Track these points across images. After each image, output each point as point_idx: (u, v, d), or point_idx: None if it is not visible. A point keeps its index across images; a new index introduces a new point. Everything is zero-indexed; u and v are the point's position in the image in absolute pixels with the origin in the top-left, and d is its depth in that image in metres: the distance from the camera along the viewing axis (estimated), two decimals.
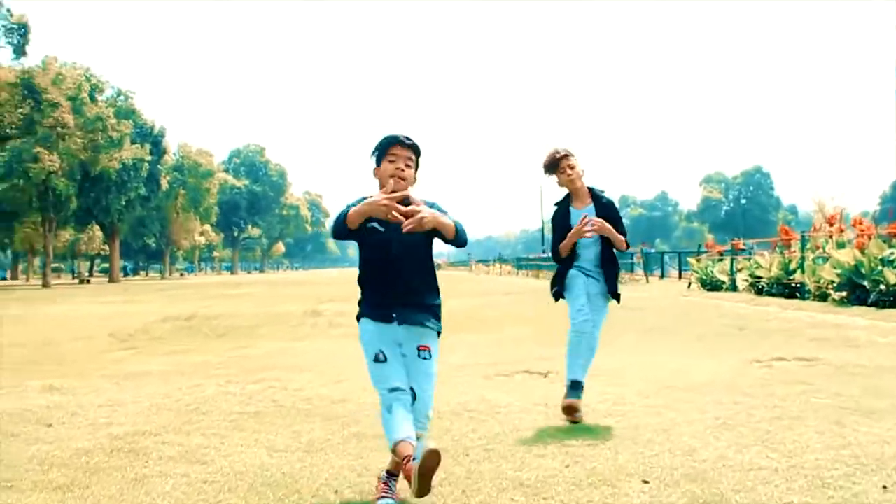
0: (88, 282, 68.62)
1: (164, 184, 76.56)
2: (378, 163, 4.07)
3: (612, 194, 6.12)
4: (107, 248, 79.79)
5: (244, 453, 4.98)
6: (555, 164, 5.96)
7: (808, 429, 5.21)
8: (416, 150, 4.11)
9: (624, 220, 6.17)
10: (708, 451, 4.71)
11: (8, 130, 44.90)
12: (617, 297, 6.17)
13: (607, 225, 5.81)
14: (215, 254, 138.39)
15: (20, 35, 46.71)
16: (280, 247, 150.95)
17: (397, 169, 3.98)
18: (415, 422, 3.84)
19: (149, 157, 63.02)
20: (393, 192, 3.81)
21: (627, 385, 7.32)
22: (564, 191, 6.10)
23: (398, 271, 4.00)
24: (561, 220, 6.11)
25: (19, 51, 46.85)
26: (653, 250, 39.44)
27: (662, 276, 35.47)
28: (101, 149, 52.23)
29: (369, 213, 3.76)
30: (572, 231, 5.87)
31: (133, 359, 10.43)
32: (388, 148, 4.04)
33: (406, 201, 3.74)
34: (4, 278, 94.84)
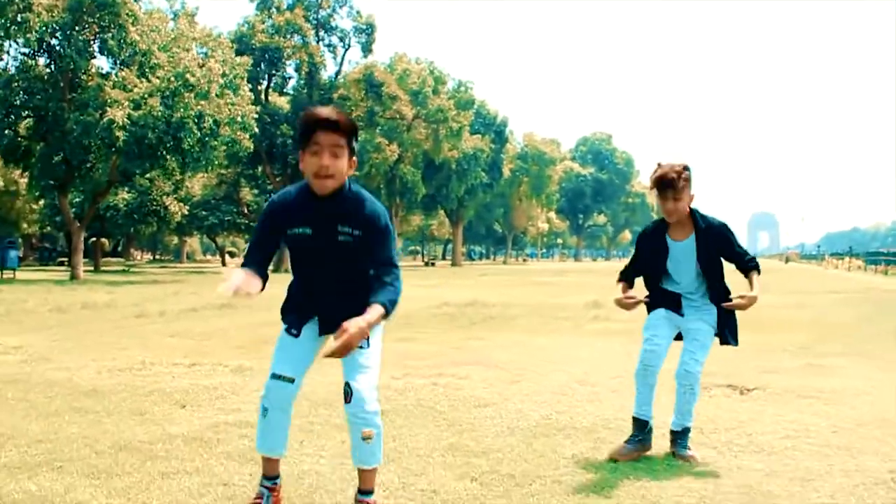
0: (433, 264, 72.71)
1: (507, 172, 78.58)
2: (302, 148, 3.19)
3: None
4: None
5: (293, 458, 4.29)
6: (666, 185, 4.50)
7: None
8: (347, 131, 3.15)
9: None
10: None
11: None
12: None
13: (750, 297, 4.54)
14: (559, 241, 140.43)
15: (367, 34, 50.29)
16: (627, 235, 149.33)
17: (322, 166, 3.10)
18: (352, 419, 3.24)
19: (488, 148, 64.92)
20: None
21: (833, 413, 5.78)
22: None
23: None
24: (650, 249, 4.81)
25: (366, 49, 50.50)
26: None
27: None
28: (442, 139, 54.63)
29: None
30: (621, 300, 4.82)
31: None
32: (309, 135, 3.12)
33: None
34: None
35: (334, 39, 50.40)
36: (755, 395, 6.54)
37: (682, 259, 4.67)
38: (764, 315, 14.72)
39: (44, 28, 29.31)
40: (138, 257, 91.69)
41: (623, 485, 4.01)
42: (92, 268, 45.13)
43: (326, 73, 50.86)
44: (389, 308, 3.11)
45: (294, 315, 3.45)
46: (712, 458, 4.52)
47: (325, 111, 3.14)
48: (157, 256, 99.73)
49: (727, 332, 4.69)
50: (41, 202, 53.06)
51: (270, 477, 3.52)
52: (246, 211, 58.77)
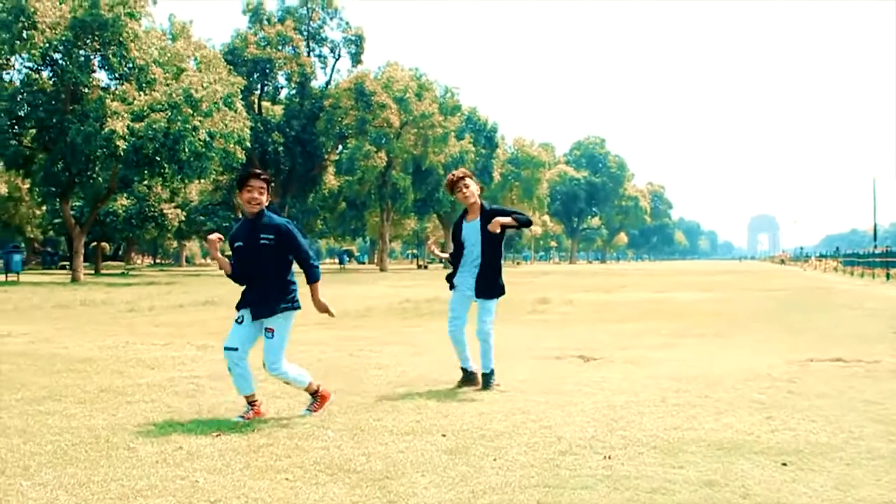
0: (426, 267, 74.50)
1: (497, 176, 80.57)
2: (240, 189, 5.45)
3: None
4: None
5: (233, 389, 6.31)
6: (452, 186, 6.98)
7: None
8: (267, 182, 5.49)
9: None
10: (547, 418, 5.33)
11: (346, 132, 50.67)
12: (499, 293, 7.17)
13: (500, 219, 6.78)
14: (553, 244, 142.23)
15: (356, 45, 52.45)
16: (622, 237, 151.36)
17: (252, 197, 5.39)
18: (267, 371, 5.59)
19: (472, 150, 66.87)
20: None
21: (635, 372, 7.69)
22: None
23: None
24: (455, 230, 7.18)
25: (356, 59, 52.64)
26: None
27: None
28: (429, 144, 56.56)
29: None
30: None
31: (313, 330, 11.80)
32: (246, 180, 5.41)
33: None
34: (364, 262, 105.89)
35: (325, 50, 52.69)
36: (594, 363, 8.45)
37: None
38: (675, 308, 16.74)
39: (47, 44, 31.36)
40: (139, 261, 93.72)
41: (432, 406, 6.00)
42: (93, 271, 47.12)
43: (317, 83, 53.02)
44: (317, 279, 5.59)
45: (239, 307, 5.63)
46: (515, 397, 6.45)
47: (257, 170, 5.60)
48: (158, 260, 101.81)
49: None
50: (44, 208, 55.11)
51: (251, 402, 5.64)
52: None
